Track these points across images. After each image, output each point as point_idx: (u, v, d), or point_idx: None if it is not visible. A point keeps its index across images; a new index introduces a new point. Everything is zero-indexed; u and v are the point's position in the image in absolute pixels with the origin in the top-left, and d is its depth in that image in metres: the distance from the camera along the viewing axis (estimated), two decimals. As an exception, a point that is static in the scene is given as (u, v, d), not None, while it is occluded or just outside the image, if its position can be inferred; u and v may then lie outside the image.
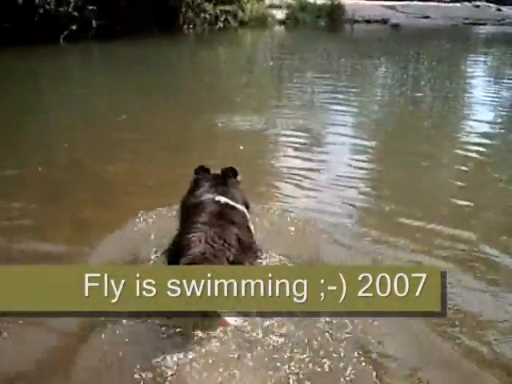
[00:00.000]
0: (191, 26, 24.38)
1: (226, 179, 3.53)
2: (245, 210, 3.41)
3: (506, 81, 13.99)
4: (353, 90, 11.78)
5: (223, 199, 3.25)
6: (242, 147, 6.91)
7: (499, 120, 9.33)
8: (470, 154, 6.85)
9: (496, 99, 10.96)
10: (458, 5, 42.84)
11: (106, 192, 5.52)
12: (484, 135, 7.92)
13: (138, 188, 5.55)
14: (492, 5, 42.35)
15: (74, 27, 19.60)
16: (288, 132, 7.96)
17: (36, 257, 4.07)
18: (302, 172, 6.12)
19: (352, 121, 8.88)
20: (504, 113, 9.84)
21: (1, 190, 5.58)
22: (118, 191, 5.56)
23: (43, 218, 4.96)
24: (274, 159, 6.82)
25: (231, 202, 3.27)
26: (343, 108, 9.62)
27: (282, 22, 29.35)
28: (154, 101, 10.26)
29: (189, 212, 3.21)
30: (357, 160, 6.65)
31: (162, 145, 7.34)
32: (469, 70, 16.04)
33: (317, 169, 6.31)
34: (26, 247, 4.25)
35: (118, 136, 7.71)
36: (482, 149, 7.06)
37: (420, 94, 12.07)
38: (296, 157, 6.80)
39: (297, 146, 7.29)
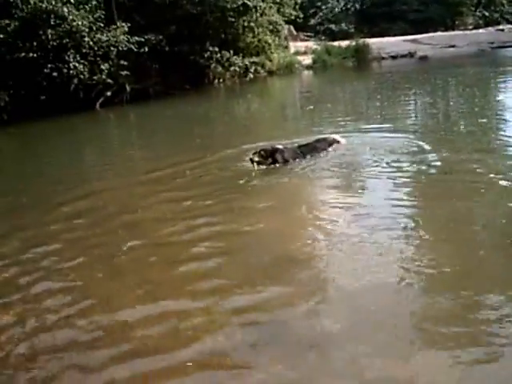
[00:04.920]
0: (221, 80, 24.69)
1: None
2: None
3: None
4: (387, 120, 11.47)
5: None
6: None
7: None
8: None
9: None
10: (481, 31, 42.71)
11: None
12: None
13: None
14: (516, 26, 42.15)
15: (108, 93, 20.03)
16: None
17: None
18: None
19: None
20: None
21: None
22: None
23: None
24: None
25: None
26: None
27: (309, 67, 29.52)
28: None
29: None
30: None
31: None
32: (498, 90, 15.67)
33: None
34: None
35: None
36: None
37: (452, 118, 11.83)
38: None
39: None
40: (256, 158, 7.52)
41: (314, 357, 3.34)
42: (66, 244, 5.79)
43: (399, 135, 9.34)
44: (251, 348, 3.48)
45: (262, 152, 7.61)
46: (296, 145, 8.29)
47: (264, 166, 7.59)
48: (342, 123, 11.43)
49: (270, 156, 7.58)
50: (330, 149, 8.24)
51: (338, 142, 8.46)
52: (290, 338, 3.53)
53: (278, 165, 7.60)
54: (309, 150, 8.06)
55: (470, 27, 47.66)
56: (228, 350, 3.49)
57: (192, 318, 3.90)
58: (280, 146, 7.84)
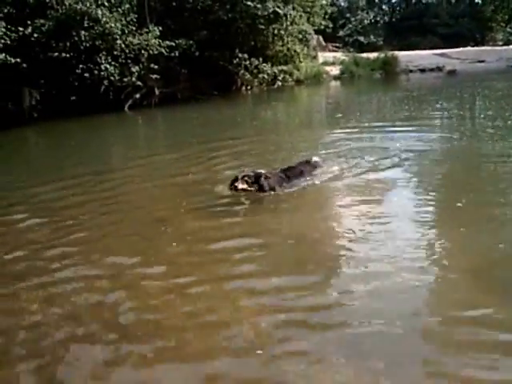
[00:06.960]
0: (249, 87, 24.79)
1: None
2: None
3: None
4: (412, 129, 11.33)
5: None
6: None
7: None
8: None
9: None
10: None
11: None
12: None
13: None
14: (547, 43, 41.67)
15: (137, 96, 20.23)
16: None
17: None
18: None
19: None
20: None
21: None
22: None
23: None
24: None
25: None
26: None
27: (337, 78, 29.53)
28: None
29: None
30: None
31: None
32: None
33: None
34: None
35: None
36: None
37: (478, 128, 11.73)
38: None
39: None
40: (241, 185, 6.49)
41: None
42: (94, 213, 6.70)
43: (425, 143, 9.37)
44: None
45: (246, 178, 6.55)
46: (279, 169, 7.22)
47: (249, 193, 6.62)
48: (370, 131, 11.38)
49: (254, 182, 6.54)
50: (315, 172, 7.43)
51: (318, 163, 7.71)
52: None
53: (265, 193, 6.62)
54: (295, 174, 7.14)
55: (500, 43, 47.30)
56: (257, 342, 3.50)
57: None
58: (263, 171, 6.81)
